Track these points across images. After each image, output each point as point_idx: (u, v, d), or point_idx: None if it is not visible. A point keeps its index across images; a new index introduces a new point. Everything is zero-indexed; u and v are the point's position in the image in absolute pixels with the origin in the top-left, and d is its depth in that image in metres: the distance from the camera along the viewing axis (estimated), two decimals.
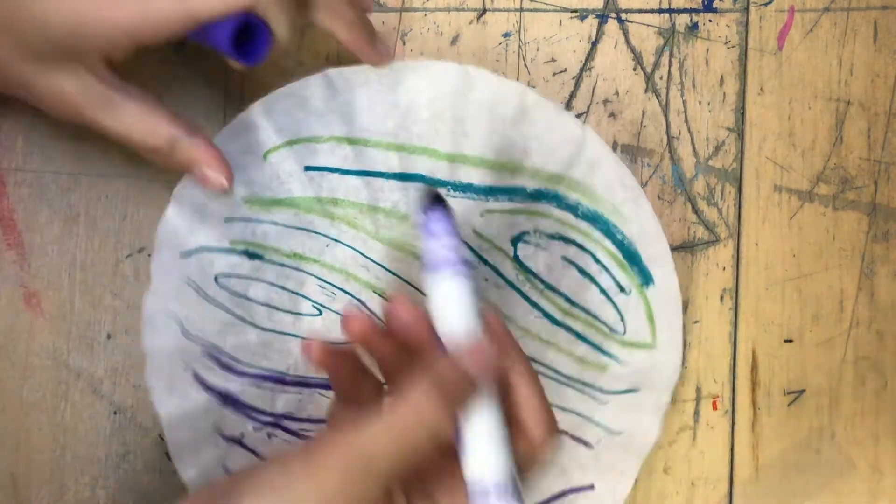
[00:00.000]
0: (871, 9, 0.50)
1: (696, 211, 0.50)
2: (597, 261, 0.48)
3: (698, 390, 0.50)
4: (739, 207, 0.50)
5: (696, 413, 0.50)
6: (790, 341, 0.50)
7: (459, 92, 0.46)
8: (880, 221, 0.50)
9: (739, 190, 0.50)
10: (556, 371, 0.48)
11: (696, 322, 0.50)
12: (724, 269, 0.50)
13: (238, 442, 0.47)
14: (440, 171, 0.47)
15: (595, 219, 0.47)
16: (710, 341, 0.50)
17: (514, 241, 0.48)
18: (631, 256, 0.47)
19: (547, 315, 0.48)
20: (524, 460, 0.36)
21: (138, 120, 0.41)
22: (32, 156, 0.48)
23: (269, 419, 0.47)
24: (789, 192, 0.50)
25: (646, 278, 0.47)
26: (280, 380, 0.47)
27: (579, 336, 0.48)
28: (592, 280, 0.48)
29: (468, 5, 0.49)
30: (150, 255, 0.47)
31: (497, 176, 0.47)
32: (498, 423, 0.36)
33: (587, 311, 0.48)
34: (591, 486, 0.48)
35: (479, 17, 0.49)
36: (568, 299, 0.48)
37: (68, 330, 0.48)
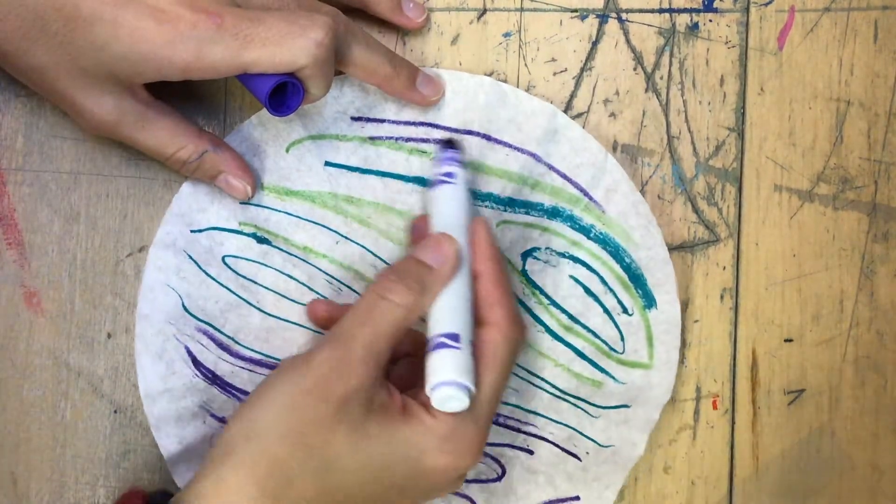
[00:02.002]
0: (872, 9, 0.50)
1: (696, 211, 0.50)
2: (603, 282, 0.48)
3: (698, 390, 0.50)
4: (739, 207, 0.50)
5: (696, 412, 0.50)
6: (790, 341, 0.50)
7: (490, 107, 0.47)
8: (880, 221, 0.50)
9: (739, 190, 0.50)
10: (552, 385, 0.49)
11: (696, 322, 0.50)
12: (724, 268, 0.50)
13: None
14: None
15: (606, 242, 0.48)
16: (710, 341, 0.50)
17: (524, 256, 0.48)
18: (637, 279, 0.48)
19: (548, 330, 0.48)
20: (485, 342, 0.41)
21: (170, 136, 0.43)
22: (32, 155, 0.48)
23: None
24: (789, 191, 0.50)
25: (649, 301, 0.48)
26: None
27: (578, 353, 0.48)
28: (597, 300, 0.48)
29: (468, 5, 0.49)
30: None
31: (517, 189, 0.48)
32: (457, 299, 0.41)
33: (588, 329, 0.48)
34: (577, 498, 0.49)
35: (479, 17, 0.49)
36: (570, 316, 0.48)
37: (68, 329, 0.48)
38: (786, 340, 0.50)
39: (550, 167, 0.48)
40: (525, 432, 0.49)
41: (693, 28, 0.50)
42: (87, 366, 0.48)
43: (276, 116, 0.42)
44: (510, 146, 0.48)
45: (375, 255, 0.48)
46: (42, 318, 0.48)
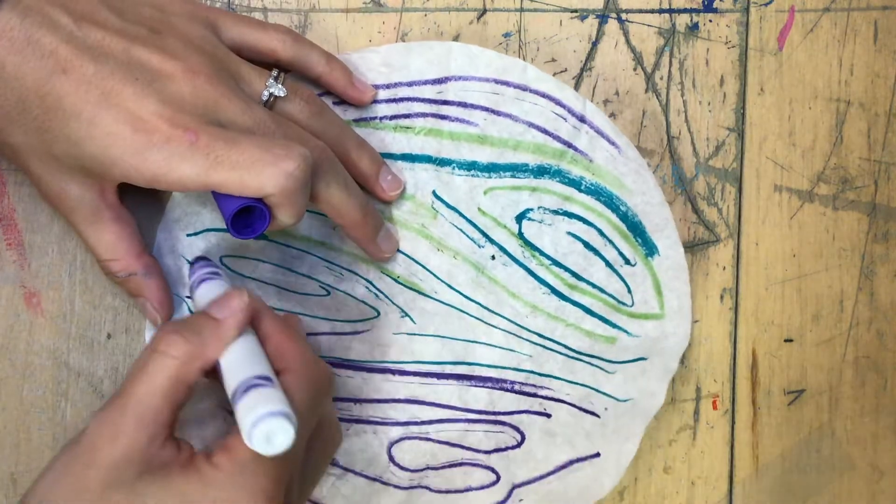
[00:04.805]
0: (871, 9, 0.50)
1: (696, 211, 0.50)
2: (602, 234, 0.48)
3: (698, 390, 0.50)
4: (739, 207, 0.50)
5: (696, 413, 0.50)
6: (790, 341, 0.50)
7: (462, 71, 0.47)
8: (880, 221, 0.50)
9: (739, 190, 0.50)
10: (565, 346, 0.49)
11: (696, 322, 0.50)
12: (724, 269, 0.50)
13: None
14: (445, 150, 0.47)
15: (598, 192, 0.48)
16: (710, 341, 0.50)
17: (519, 219, 0.48)
18: (635, 228, 0.48)
19: (554, 291, 0.48)
20: (284, 389, 0.39)
21: (110, 244, 0.43)
22: None
23: None
24: (789, 192, 0.50)
25: (650, 249, 0.48)
26: None
27: (587, 310, 0.48)
28: (598, 254, 0.48)
29: (468, 5, 0.49)
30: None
31: (499, 153, 0.48)
32: (255, 351, 0.39)
33: (594, 285, 0.48)
34: (597, 455, 0.48)
35: (479, 17, 0.49)
36: (574, 274, 0.48)
37: (68, 330, 0.48)
38: (786, 340, 0.50)
39: (530, 124, 0.47)
40: (541, 396, 0.49)
41: (693, 28, 0.50)
42: (87, 366, 0.48)
43: (238, 238, 0.41)
44: (487, 110, 0.47)
45: None
46: (42, 318, 0.48)
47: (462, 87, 0.47)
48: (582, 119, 0.47)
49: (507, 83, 0.47)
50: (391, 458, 0.48)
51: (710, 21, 0.50)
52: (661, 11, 0.49)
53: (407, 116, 0.47)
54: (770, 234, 0.50)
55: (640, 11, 0.49)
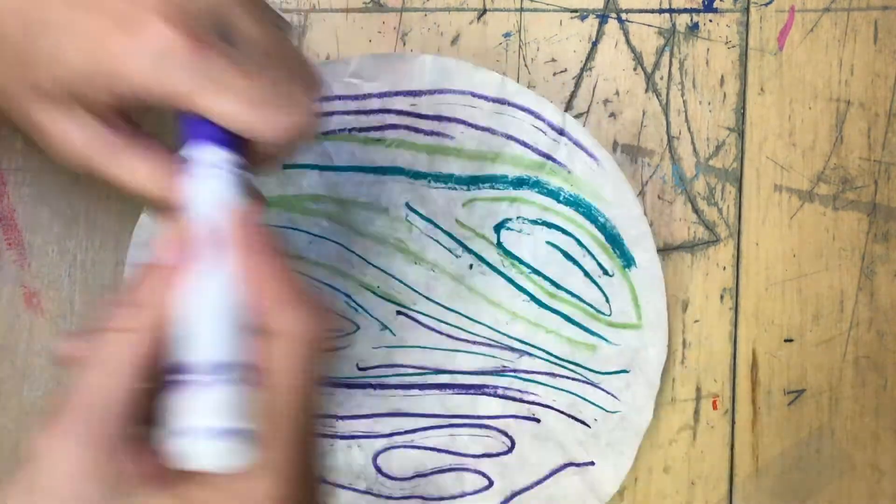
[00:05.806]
0: (872, 9, 0.50)
1: (696, 211, 0.50)
2: (580, 245, 0.48)
3: (698, 390, 0.50)
4: (739, 207, 0.50)
5: (696, 413, 0.50)
6: (790, 341, 0.50)
7: (436, 84, 0.47)
8: (880, 221, 0.50)
9: (739, 190, 0.50)
10: (547, 352, 0.49)
11: (696, 322, 0.50)
12: (724, 268, 0.50)
13: None
14: (420, 163, 0.47)
15: (577, 203, 0.48)
16: (710, 341, 0.50)
17: (497, 228, 0.48)
18: (613, 239, 0.48)
19: (534, 298, 0.49)
20: (274, 359, 0.31)
21: (150, 170, 0.36)
22: (32, 156, 0.48)
23: None
24: (789, 191, 0.50)
25: (628, 261, 0.48)
26: None
27: (567, 318, 0.49)
28: (576, 264, 0.48)
29: (468, 5, 0.49)
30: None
31: (478, 166, 0.48)
32: (212, 300, 0.31)
33: (573, 294, 0.48)
34: (592, 463, 0.49)
35: (479, 17, 0.49)
36: (553, 283, 0.48)
37: (68, 329, 0.48)
38: (786, 340, 0.50)
39: (508, 137, 0.47)
40: (528, 401, 0.49)
41: (693, 28, 0.50)
42: None
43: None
44: (464, 123, 0.47)
45: (350, 251, 0.48)
46: (42, 318, 0.48)
47: (438, 101, 0.47)
48: (561, 132, 0.47)
49: (484, 97, 0.47)
50: (378, 469, 0.48)
51: (710, 21, 0.50)
52: (661, 11, 0.49)
53: (378, 129, 0.47)
54: (770, 233, 0.50)
55: (640, 11, 0.49)
